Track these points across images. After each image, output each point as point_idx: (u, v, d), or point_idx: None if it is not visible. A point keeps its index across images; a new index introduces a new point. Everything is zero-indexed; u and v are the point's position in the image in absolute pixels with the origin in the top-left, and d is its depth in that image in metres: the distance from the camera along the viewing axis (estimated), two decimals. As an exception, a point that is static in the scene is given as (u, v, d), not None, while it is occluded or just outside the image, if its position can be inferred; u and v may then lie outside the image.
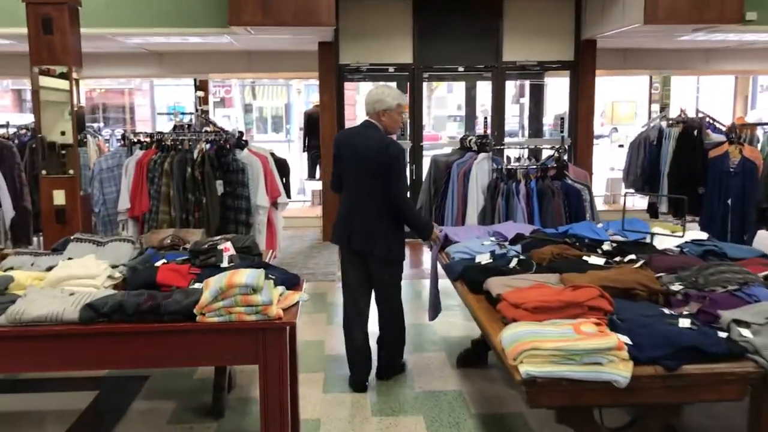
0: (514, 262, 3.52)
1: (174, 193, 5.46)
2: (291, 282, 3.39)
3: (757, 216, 6.19)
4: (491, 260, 3.71)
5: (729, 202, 6.97)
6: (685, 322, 2.53)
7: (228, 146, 5.79)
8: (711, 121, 7.90)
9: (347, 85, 10.00)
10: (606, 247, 3.94)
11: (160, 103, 29.05)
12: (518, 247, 4.01)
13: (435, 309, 4.72)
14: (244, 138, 6.10)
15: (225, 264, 3.56)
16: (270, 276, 3.26)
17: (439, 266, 4.54)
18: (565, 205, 5.62)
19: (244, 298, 2.86)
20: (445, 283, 4.61)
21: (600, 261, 3.47)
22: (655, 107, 11.76)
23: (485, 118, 9.74)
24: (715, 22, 6.85)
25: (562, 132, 9.39)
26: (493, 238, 4.26)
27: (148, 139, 5.81)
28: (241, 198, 5.64)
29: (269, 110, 34.18)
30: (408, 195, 4.18)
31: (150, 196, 5.50)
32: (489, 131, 8.96)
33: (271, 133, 33.28)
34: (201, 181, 5.48)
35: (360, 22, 8.49)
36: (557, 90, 11.30)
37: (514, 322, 2.58)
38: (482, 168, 5.67)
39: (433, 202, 6.07)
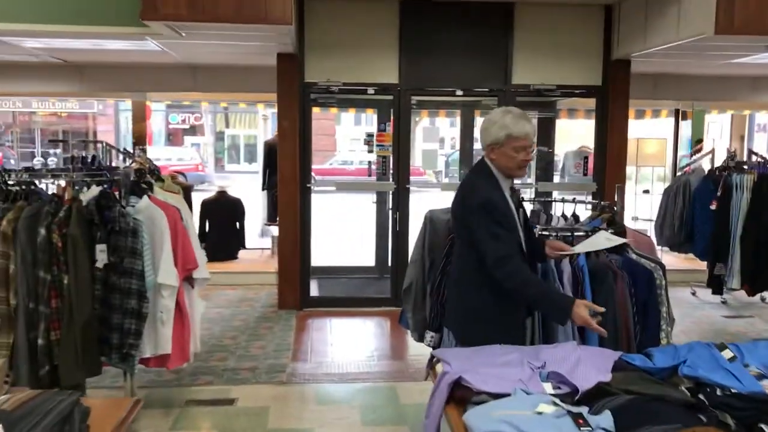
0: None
1: (17, 267, 3.43)
2: None
3: None
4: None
5: (827, 277, 5.13)
6: None
7: (117, 193, 3.80)
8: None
9: (319, 111, 8.16)
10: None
11: (126, 128, 27.02)
12: (608, 419, 2.04)
13: None
14: (145, 179, 4.08)
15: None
16: None
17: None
18: (631, 294, 3.68)
19: None
20: None
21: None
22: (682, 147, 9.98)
23: (488, 155, 7.88)
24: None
25: (585, 174, 7.54)
26: (549, 387, 2.30)
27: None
28: (131, 274, 3.62)
29: (242, 138, 32.29)
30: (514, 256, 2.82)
31: (-23, 272, 3.47)
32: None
33: (243, 162, 31.31)
34: (62, 248, 3.46)
35: (332, 29, 6.60)
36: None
37: None
38: (504, 235, 3.72)
39: (427, 280, 4.10)
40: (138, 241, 3.63)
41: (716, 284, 6.03)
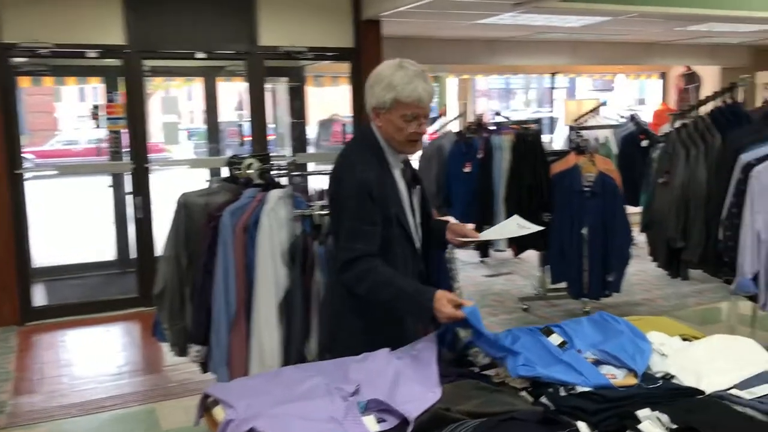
0: None
1: None
2: None
3: (667, 257, 4.48)
4: None
5: (584, 231, 5.29)
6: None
7: None
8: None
9: (30, 84, 6.75)
10: (650, 428, 1.67)
11: None
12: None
13: None
14: None
15: None
16: None
17: None
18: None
19: None
20: None
21: None
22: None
23: (239, 125, 7.16)
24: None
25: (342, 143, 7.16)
26: (372, 421, 1.74)
27: None
28: None
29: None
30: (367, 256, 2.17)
31: None
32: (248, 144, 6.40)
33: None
34: None
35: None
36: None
37: None
38: (278, 217, 3.08)
39: (185, 281, 3.33)
40: None
41: (483, 247, 6.03)
